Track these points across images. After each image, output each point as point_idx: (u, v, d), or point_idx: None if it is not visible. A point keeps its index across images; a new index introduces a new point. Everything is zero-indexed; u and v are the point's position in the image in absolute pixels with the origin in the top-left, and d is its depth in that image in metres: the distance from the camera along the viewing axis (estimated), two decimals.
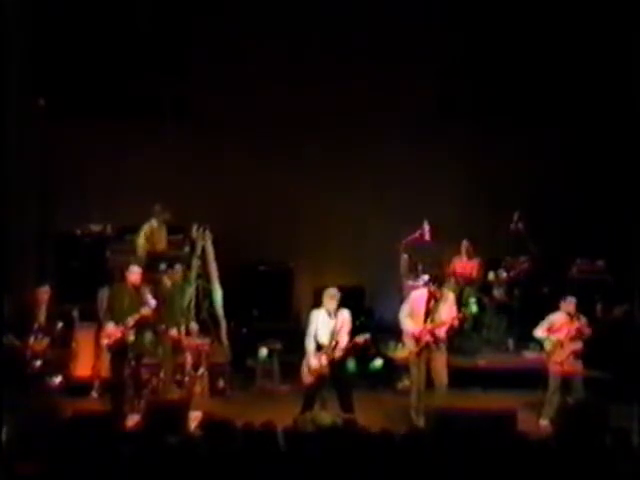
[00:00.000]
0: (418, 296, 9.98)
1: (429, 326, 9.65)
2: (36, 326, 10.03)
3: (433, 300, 9.76)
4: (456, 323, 9.90)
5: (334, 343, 9.27)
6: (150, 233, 11.82)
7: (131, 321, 9.63)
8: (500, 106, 13.16)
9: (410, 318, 9.86)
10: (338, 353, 9.29)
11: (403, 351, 11.39)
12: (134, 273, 9.88)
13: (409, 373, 10.11)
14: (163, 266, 11.13)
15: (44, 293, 10.18)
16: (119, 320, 9.67)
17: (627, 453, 6.19)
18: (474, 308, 12.20)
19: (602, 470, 5.93)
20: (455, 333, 10.70)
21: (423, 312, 9.76)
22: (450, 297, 9.94)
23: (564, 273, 12.20)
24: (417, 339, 9.72)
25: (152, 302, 9.73)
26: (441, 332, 9.72)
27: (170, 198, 12.57)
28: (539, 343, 10.31)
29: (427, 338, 9.67)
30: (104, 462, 5.80)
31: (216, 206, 12.78)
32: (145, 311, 9.68)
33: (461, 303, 11.28)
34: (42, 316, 10.05)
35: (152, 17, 12.78)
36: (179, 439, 6.37)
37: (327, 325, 9.35)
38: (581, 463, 5.97)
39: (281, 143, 13.07)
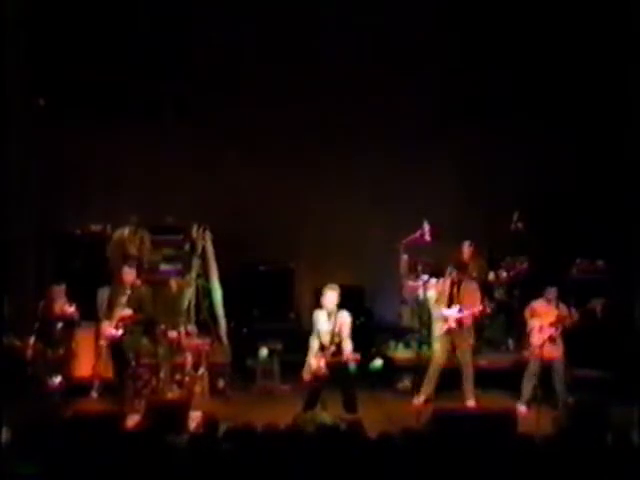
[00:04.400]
0: (440, 284, 10.51)
1: (457, 315, 10.08)
2: (36, 326, 10.05)
3: (456, 288, 10.15)
4: (478, 313, 10.29)
5: (333, 347, 9.26)
6: (119, 241, 11.83)
7: (114, 320, 9.95)
8: (500, 106, 13.15)
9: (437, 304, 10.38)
10: (336, 358, 9.27)
11: (403, 351, 11.44)
12: (127, 273, 10.23)
13: (409, 373, 10.19)
14: (165, 266, 11.14)
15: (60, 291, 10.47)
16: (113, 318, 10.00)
17: (627, 453, 6.19)
18: None
19: (602, 470, 5.92)
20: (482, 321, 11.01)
21: (447, 299, 10.18)
22: (473, 285, 10.33)
23: (564, 273, 12.19)
24: (445, 319, 10.15)
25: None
26: (467, 319, 10.16)
27: (170, 198, 12.64)
28: None
29: (452, 325, 10.12)
30: (104, 462, 5.79)
31: (216, 206, 12.78)
32: (125, 312, 9.96)
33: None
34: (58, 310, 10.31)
35: (152, 17, 12.77)
36: (179, 439, 6.38)
37: (326, 327, 9.37)
38: (581, 463, 5.96)
39: (281, 143, 13.06)
